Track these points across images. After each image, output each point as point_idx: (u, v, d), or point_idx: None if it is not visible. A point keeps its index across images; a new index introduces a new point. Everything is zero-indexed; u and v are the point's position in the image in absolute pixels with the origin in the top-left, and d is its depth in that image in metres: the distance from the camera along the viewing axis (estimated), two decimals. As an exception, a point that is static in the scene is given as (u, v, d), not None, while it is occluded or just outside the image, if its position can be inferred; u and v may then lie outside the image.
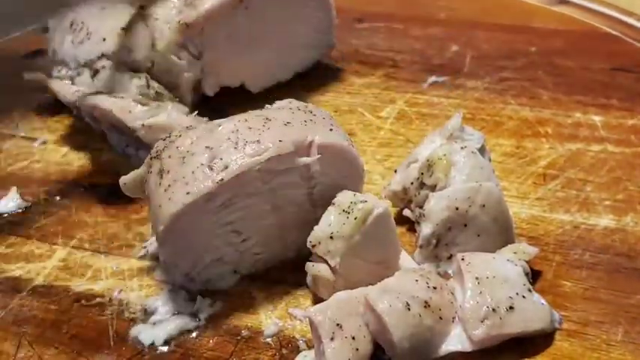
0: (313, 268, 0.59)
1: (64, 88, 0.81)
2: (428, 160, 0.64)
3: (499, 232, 0.61)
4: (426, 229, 0.61)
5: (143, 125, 0.75)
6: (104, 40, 0.80)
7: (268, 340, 0.58)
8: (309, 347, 0.56)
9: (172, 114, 0.77)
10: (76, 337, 0.59)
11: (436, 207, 0.61)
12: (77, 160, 0.81)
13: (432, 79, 0.92)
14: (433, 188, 0.62)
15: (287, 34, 0.89)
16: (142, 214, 0.72)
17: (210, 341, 0.58)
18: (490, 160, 0.68)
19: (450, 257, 0.61)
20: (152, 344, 0.58)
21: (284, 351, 0.57)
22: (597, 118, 0.82)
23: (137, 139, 0.76)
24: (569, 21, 1.05)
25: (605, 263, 0.63)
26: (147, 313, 0.60)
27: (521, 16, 1.07)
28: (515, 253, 0.59)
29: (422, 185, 0.64)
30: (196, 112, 0.78)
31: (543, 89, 0.89)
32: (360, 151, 0.79)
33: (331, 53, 0.96)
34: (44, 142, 0.85)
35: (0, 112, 0.91)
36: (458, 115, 0.68)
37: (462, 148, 0.63)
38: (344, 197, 0.59)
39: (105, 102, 0.77)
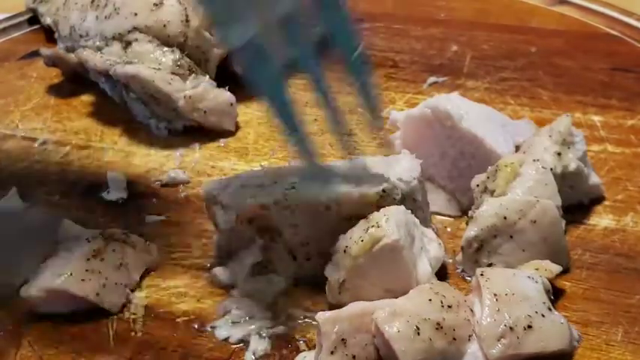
0: (327, 270, 0.58)
1: (94, 57, 0.84)
2: (497, 165, 0.63)
3: (548, 252, 0.60)
4: (470, 231, 0.60)
5: (185, 96, 0.79)
6: (135, 14, 0.84)
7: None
8: (309, 348, 0.56)
9: (209, 86, 0.82)
10: (76, 337, 0.59)
11: (485, 212, 0.60)
12: (77, 160, 0.81)
13: (432, 79, 0.92)
14: (493, 194, 0.62)
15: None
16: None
17: (211, 341, 0.58)
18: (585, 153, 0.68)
19: (490, 265, 0.60)
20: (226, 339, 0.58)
21: (284, 351, 0.56)
22: (597, 118, 0.82)
23: (171, 110, 0.81)
24: (569, 21, 1.05)
25: (605, 263, 0.63)
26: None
27: (521, 16, 1.07)
28: (537, 269, 0.58)
29: (485, 189, 0.63)
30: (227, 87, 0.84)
31: (543, 89, 0.89)
32: (360, 151, 0.79)
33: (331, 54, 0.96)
34: (44, 143, 0.85)
35: (0, 112, 0.91)
36: (567, 117, 0.68)
37: (534, 160, 0.63)
38: (378, 214, 0.57)
39: (145, 71, 0.80)
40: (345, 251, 0.57)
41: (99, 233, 0.63)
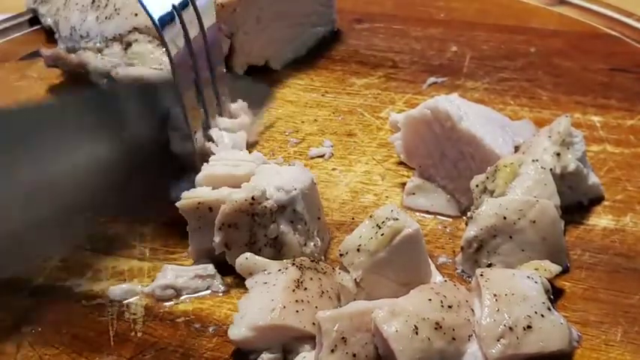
0: (338, 276, 0.58)
1: (95, 60, 0.84)
2: (496, 165, 0.63)
3: (547, 252, 0.60)
4: (470, 231, 0.61)
5: None
6: (136, 15, 0.84)
7: (268, 340, 0.58)
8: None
9: None
10: (76, 337, 0.59)
11: (485, 212, 0.60)
12: (77, 161, 0.81)
13: (432, 79, 0.92)
14: (492, 194, 0.62)
15: (298, 10, 0.96)
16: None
17: (211, 341, 0.58)
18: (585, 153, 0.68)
19: (490, 265, 0.60)
20: None
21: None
22: (596, 119, 0.82)
23: None
24: (569, 21, 1.05)
25: (605, 263, 0.63)
26: None
27: (520, 16, 1.08)
28: (536, 269, 0.58)
29: (485, 189, 0.63)
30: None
31: (543, 90, 0.89)
32: (360, 151, 0.79)
33: (332, 51, 0.97)
34: (44, 143, 0.85)
35: None
36: (566, 118, 0.68)
37: (533, 161, 0.63)
38: (382, 211, 0.58)
39: (145, 72, 0.81)
40: (358, 250, 0.56)
41: (290, 264, 0.59)
